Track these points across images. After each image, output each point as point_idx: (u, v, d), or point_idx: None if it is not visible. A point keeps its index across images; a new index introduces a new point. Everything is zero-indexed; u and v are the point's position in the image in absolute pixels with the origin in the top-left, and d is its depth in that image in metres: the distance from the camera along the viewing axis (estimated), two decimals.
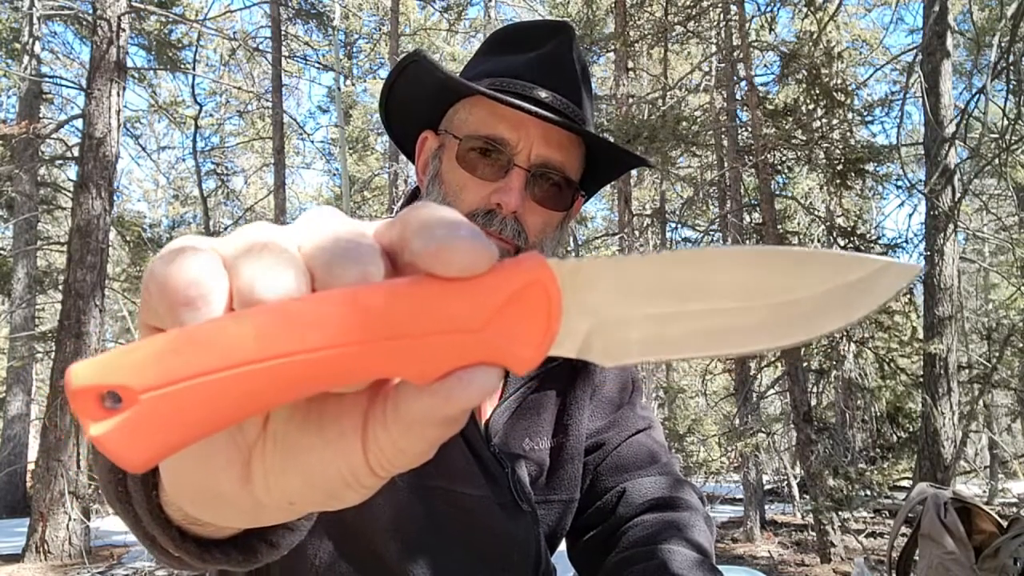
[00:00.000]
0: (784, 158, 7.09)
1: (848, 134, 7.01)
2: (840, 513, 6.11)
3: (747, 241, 7.83)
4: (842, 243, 7.06)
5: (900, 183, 7.34)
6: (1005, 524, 2.66)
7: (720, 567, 0.97)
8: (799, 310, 0.30)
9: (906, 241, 7.12)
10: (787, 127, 6.76)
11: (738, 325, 0.30)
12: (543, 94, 0.90)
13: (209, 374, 0.24)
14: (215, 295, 0.26)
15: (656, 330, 0.30)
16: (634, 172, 9.47)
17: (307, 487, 0.29)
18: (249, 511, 0.32)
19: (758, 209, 7.47)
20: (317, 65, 14.96)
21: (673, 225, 9.88)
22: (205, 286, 0.26)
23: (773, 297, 0.30)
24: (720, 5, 7.63)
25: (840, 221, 8.07)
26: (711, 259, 0.30)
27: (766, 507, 8.92)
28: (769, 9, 7.16)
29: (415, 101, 0.96)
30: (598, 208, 17.19)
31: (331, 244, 0.27)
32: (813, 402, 6.99)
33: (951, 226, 6.74)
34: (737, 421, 7.56)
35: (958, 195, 6.66)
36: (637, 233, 9.71)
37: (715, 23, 8.30)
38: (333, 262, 0.27)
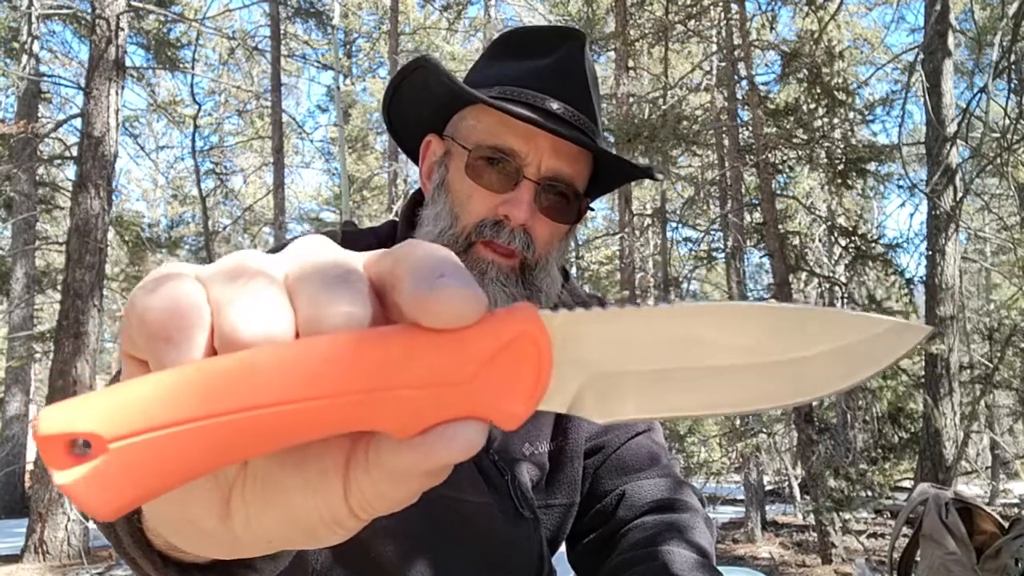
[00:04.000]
0: (785, 157, 7.08)
1: (849, 133, 7.01)
2: (841, 514, 6.11)
3: (748, 240, 7.83)
4: (843, 243, 7.05)
5: (901, 183, 7.35)
6: (1006, 525, 2.66)
7: (721, 568, 0.98)
8: (801, 370, 0.29)
9: (907, 241, 7.11)
10: (788, 126, 6.76)
11: (737, 384, 0.29)
12: (554, 105, 0.88)
13: (181, 424, 0.24)
14: (195, 331, 0.25)
15: (651, 387, 0.29)
16: None
17: (286, 526, 0.29)
18: (228, 544, 0.31)
19: (759, 209, 7.46)
20: (316, 64, 14.99)
21: (674, 225, 9.87)
22: (185, 321, 0.25)
23: (774, 356, 0.29)
24: (721, 4, 7.62)
25: (841, 221, 8.07)
26: (711, 315, 0.29)
27: (767, 508, 8.92)
28: (770, 8, 7.15)
29: (420, 105, 0.95)
30: (598, 208, 17.18)
31: (318, 278, 0.26)
32: (814, 402, 6.98)
33: (953, 226, 6.73)
34: (738, 422, 7.56)
35: (960, 195, 6.65)
36: (637, 233, 9.71)
37: (716, 22, 8.29)
38: (319, 298, 0.26)
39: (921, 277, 7.12)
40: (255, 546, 0.31)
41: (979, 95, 6.44)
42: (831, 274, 8.42)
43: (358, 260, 0.28)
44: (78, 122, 8.00)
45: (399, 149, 1.05)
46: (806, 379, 0.29)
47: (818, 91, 6.54)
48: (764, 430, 7.20)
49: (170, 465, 0.24)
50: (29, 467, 10.24)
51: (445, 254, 0.27)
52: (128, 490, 0.24)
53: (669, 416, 0.29)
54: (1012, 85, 6.54)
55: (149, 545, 0.44)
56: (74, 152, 8.49)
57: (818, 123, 6.71)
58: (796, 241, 7.72)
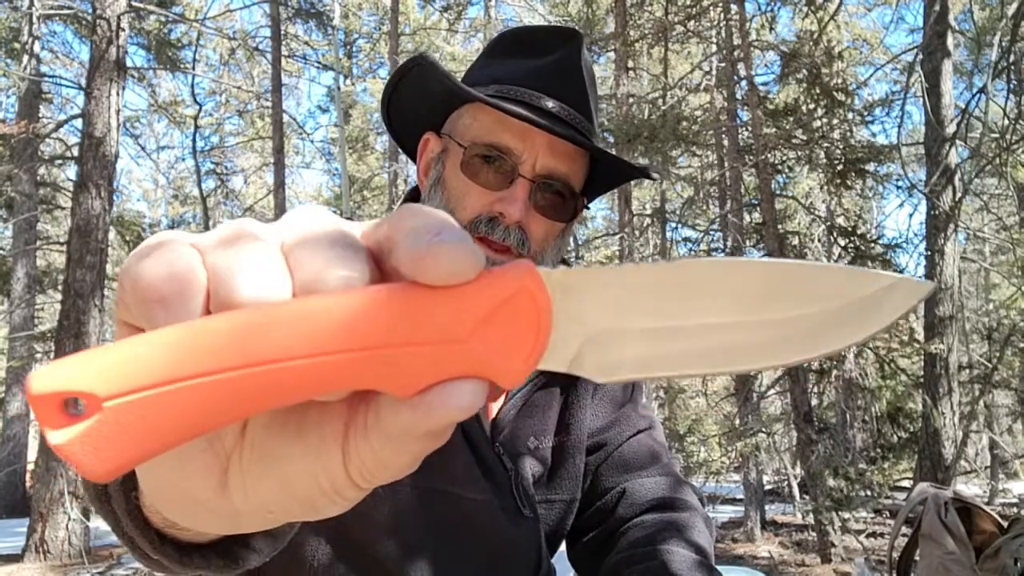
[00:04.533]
0: (784, 158, 7.09)
1: (848, 134, 7.01)
2: (840, 513, 6.11)
3: (748, 240, 7.83)
4: (842, 243, 7.06)
5: (900, 183, 7.34)
6: (1006, 524, 2.65)
7: (720, 567, 0.98)
8: (806, 326, 0.28)
9: (906, 241, 7.11)
10: (787, 127, 6.76)
11: (741, 342, 0.28)
12: (550, 104, 0.89)
13: (177, 382, 0.23)
14: (190, 293, 0.25)
15: (653, 345, 0.28)
16: None
17: (285, 496, 0.28)
18: (227, 518, 0.31)
19: (758, 209, 7.47)
20: (317, 64, 14.98)
21: (673, 225, 9.87)
22: (179, 283, 0.25)
23: (778, 312, 0.28)
24: (720, 4, 7.62)
25: (840, 221, 8.07)
26: (713, 271, 0.28)
27: (766, 507, 8.92)
28: (769, 8, 7.16)
29: (418, 104, 0.95)
30: (598, 208, 17.22)
31: (315, 243, 0.26)
32: (813, 402, 6.99)
33: (952, 226, 6.74)
34: (737, 421, 7.56)
35: (959, 195, 6.65)
36: (637, 233, 9.71)
37: (715, 22, 8.29)
38: (316, 262, 0.25)
39: (920, 277, 7.11)
40: (254, 518, 0.30)
41: (978, 95, 6.44)
42: None
43: (356, 228, 0.28)
44: (79, 122, 8.00)
45: (399, 149, 1.05)
46: (814, 335, 0.28)
47: (817, 91, 6.54)
48: (763, 430, 7.20)
49: (166, 424, 0.23)
50: (30, 467, 10.23)
51: (441, 215, 0.26)
52: (124, 449, 0.23)
53: (669, 375, 0.28)
54: (1011, 85, 6.54)
55: (146, 523, 0.43)
56: (75, 152, 8.49)
57: (817, 123, 6.71)
58: (795, 241, 7.73)
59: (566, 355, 0.28)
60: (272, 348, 0.24)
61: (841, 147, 6.71)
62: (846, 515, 6.21)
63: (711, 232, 8.81)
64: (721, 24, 8.14)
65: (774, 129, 6.83)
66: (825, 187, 7.06)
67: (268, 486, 0.28)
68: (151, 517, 0.43)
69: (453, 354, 0.25)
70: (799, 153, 6.85)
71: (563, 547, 1.06)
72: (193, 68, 11.47)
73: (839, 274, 0.29)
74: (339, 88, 8.92)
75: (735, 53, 7.56)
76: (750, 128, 7.15)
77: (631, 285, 0.28)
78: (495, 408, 0.95)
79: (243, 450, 0.28)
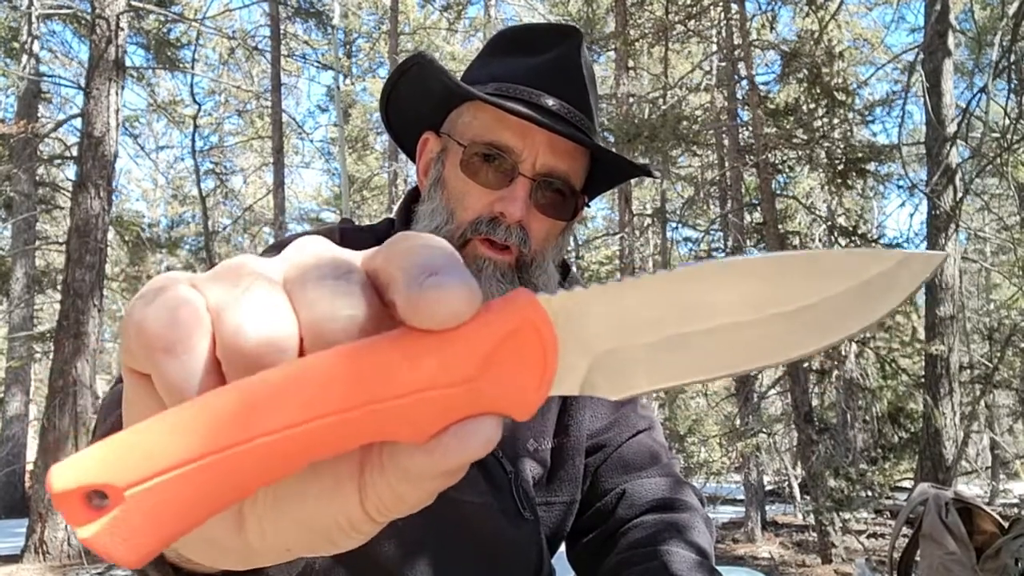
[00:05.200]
0: (785, 157, 7.08)
1: (849, 133, 7.01)
2: (841, 514, 6.11)
3: (748, 240, 7.83)
4: (843, 243, 7.05)
5: (901, 183, 7.35)
6: (1006, 525, 2.65)
7: (721, 568, 0.98)
8: (816, 315, 0.28)
9: (907, 241, 7.11)
10: (788, 126, 6.76)
11: (751, 340, 0.28)
12: (550, 102, 0.88)
13: (192, 462, 0.23)
14: (195, 339, 0.25)
15: (662, 357, 0.28)
16: None
17: (302, 534, 0.28)
18: (243, 556, 0.30)
19: (759, 209, 7.46)
20: (316, 64, 14.98)
21: (674, 225, 9.88)
22: (185, 329, 0.25)
23: (786, 305, 0.28)
24: (721, 4, 7.62)
25: (841, 221, 8.06)
26: (712, 274, 0.28)
27: (767, 508, 8.92)
28: (770, 8, 7.15)
29: (418, 103, 0.95)
30: (598, 208, 17.22)
31: (317, 280, 0.26)
32: (814, 402, 6.99)
33: (952, 226, 6.73)
34: (738, 421, 7.56)
35: (959, 195, 6.64)
36: (637, 233, 9.70)
37: (716, 22, 8.29)
38: (320, 300, 0.25)
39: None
40: (272, 555, 0.30)
41: (979, 95, 6.44)
42: None
43: (356, 259, 0.27)
44: (78, 122, 8.00)
45: (399, 149, 1.04)
46: (826, 323, 0.28)
47: (818, 91, 6.54)
48: (764, 430, 7.20)
49: (188, 504, 0.24)
50: (29, 467, 10.24)
51: (435, 246, 0.26)
52: (151, 535, 0.24)
53: (685, 382, 0.28)
54: (1012, 85, 6.54)
55: (162, 558, 0.43)
56: (74, 152, 8.49)
57: (818, 123, 6.71)
58: (796, 241, 7.72)
59: (576, 380, 0.28)
60: (280, 416, 0.24)
61: (842, 147, 6.71)
62: (847, 515, 6.21)
63: (711, 232, 8.81)
64: (721, 23, 8.14)
65: (774, 129, 6.83)
66: (826, 187, 7.05)
67: (285, 525, 0.28)
68: (166, 553, 0.42)
69: (463, 395, 0.25)
70: (800, 153, 6.85)
71: (563, 548, 1.06)
72: (192, 68, 11.46)
73: (842, 259, 0.28)
74: (339, 88, 8.93)
75: (735, 53, 7.56)
76: (750, 128, 7.15)
77: (632, 301, 0.28)
78: None
79: (257, 494, 0.28)
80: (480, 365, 0.25)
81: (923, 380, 6.97)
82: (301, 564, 0.49)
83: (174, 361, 0.25)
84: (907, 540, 2.86)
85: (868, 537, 6.93)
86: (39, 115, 11.42)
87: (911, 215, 11.66)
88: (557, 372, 0.27)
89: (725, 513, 9.19)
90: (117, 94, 7.31)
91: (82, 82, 7.78)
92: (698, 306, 0.28)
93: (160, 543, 0.24)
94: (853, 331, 0.28)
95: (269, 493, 0.28)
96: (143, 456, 0.23)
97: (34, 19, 10.62)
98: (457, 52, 15.64)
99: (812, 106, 6.68)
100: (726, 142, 8.38)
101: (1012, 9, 6.07)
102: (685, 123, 7.22)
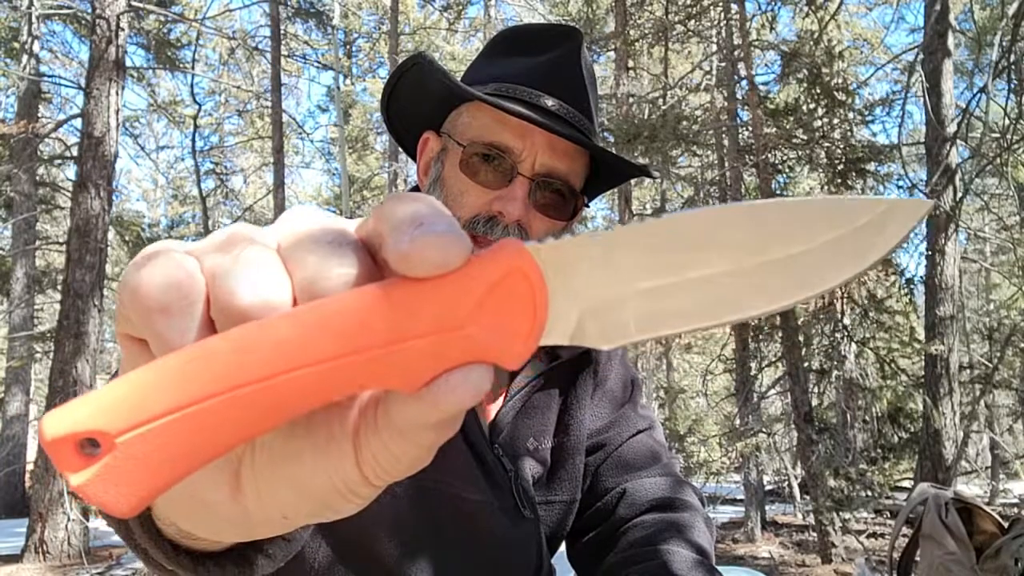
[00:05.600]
0: (785, 157, 7.08)
1: (849, 133, 7.00)
2: (841, 513, 6.11)
3: None
4: None
5: (901, 183, 7.33)
6: (1006, 524, 2.66)
7: (721, 568, 0.98)
8: (805, 263, 0.28)
9: (907, 240, 7.09)
10: (788, 126, 6.76)
11: (742, 288, 0.28)
12: (550, 102, 0.89)
13: (184, 408, 0.23)
14: (190, 300, 0.25)
15: (652, 305, 0.28)
16: None
17: (299, 498, 0.28)
18: (241, 524, 0.30)
19: None
20: (316, 64, 14.98)
21: None
22: (179, 291, 0.25)
23: (774, 253, 0.28)
24: (721, 4, 7.62)
25: None
26: (703, 221, 0.28)
27: (767, 508, 8.92)
28: (770, 8, 7.15)
29: (418, 103, 0.95)
30: (598, 208, 17.21)
31: (310, 243, 0.26)
32: (814, 402, 6.99)
33: (952, 225, 6.73)
34: (738, 421, 7.56)
35: (959, 195, 6.64)
36: None
37: (716, 22, 8.29)
38: (313, 261, 0.26)
39: (921, 277, 7.12)
40: (269, 523, 0.30)
41: (979, 95, 6.44)
42: None
43: (349, 225, 0.28)
44: (78, 122, 8.00)
45: (399, 149, 1.05)
46: (815, 271, 0.28)
47: (818, 91, 6.54)
48: (764, 430, 7.20)
49: (181, 451, 0.24)
50: (29, 467, 10.23)
51: (423, 202, 0.26)
52: (143, 482, 0.24)
53: (675, 331, 0.28)
54: (1012, 85, 6.54)
55: (160, 534, 0.43)
56: (74, 152, 8.49)
57: (818, 123, 6.71)
58: None
59: (566, 328, 0.28)
60: (272, 362, 0.24)
61: (842, 147, 6.71)
62: (847, 515, 6.21)
63: None
64: (721, 24, 8.14)
65: (774, 129, 6.82)
66: (826, 187, 7.05)
67: (281, 487, 0.28)
68: (164, 528, 0.42)
69: (452, 342, 0.25)
70: (799, 153, 6.85)
71: (563, 547, 1.06)
72: (192, 68, 11.47)
73: (832, 205, 0.28)
74: (339, 88, 8.93)
75: (735, 53, 7.56)
76: (750, 128, 7.15)
77: (622, 248, 0.27)
78: (494, 410, 0.95)
79: (254, 453, 0.28)
80: (470, 313, 0.25)
81: (923, 380, 6.97)
82: (299, 544, 0.49)
83: (170, 322, 0.25)
84: (907, 540, 2.87)
85: (868, 537, 6.93)
86: (39, 115, 11.41)
87: None
88: (547, 320, 0.27)
89: (725, 513, 9.20)
90: (117, 94, 7.32)
91: (82, 82, 7.78)
92: (688, 253, 0.27)
93: (152, 491, 0.24)
94: (845, 278, 0.28)
95: (264, 453, 0.28)
96: (135, 403, 0.23)
97: (34, 19, 10.62)
98: (457, 52, 15.64)
99: (812, 106, 6.68)
100: (726, 142, 8.38)
101: (1012, 9, 6.07)
102: (685, 123, 7.21)
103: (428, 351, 0.25)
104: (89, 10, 7.93)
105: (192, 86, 11.03)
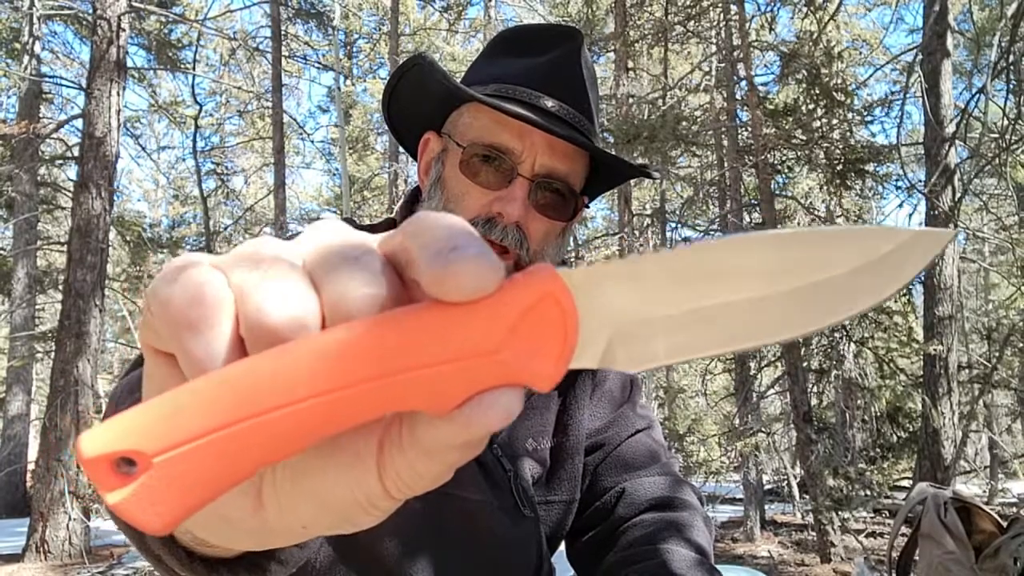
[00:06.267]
0: (784, 158, 7.09)
1: (848, 134, 7.00)
2: (840, 513, 6.11)
3: None
4: None
5: (900, 183, 7.33)
6: (1005, 524, 2.66)
7: (720, 567, 0.98)
8: (830, 291, 0.29)
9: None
10: (787, 127, 6.76)
11: (768, 315, 0.28)
12: (549, 103, 0.89)
13: (219, 430, 0.24)
14: (220, 317, 0.25)
15: (680, 330, 0.28)
16: None
17: (320, 511, 0.28)
18: (259, 535, 0.31)
19: (758, 209, 7.47)
20: (317, 65, 14.98)
21: (673, 225, 9.88)
22: (209, 308, 0.25)
23: (800, 280, 0.28)
24: (720, 5, 7.62)
25: (840, 221, 8.06)
26: (728, 250, 0.28)
27: (766, 507, 8.92)
28: (769, 9, 7.16)
29: (418, 104, 0.95)
30: (598, 208, 17.20)
31: (337, 260, 0.26)
32: (813, 402, 6.99)
33: (951, 226, 6.73)
34: (737, 421, 7.56)
35: (958, 195, 6.65)
36: (637, 233, 9.71)
37: (715, 23, 8.30)
38: (340, 280, 0.25)
39: (920, 277, 7.12)
40: (288, 534, 0.30)
41: (978, 96, 6.43)
42: None
43: (373, 241, 0.28)
44: (79, 122, 7.99)
45: (400, 149, 1.06)
46: (838, 298, 0.29)
47: (817, 92, 6.54)
48: (763, 429, 7.21)
49: (215, 471, 0.24)
50: (30, 467, 10.23)
51: (455, 223, 0.26)
52: (177, 502, 0.24)
53: (703, 355, 0.29)
54: (1011, 86, 6.53)
55: (174, 541, 0.43)
56: (75, 152, 8.49)
57: (817, 124, 6.71)
58: None
59: (595, 352, 0.28)
60: (305, 385, 0.24)
61: (841, 147, 6.71)
62: (846, 515, 6.21)
63: (711, 232, 8.80)
64: (721, 24, 8.15)
65: (774, 129, 6.82)
66: (825, 187, 7.05)
67: (303, 501, 0.28)
68: (179, 537, 0.42)
69: (485, 366, 0.25)
70: (799, 153, 6.85)
71: (563, 547, 1.07)
72: (193, 68, 11.47)
73: (856, 234, 0.29)
74: (339, 88, 8.93)
75: (735, 53, 7.57)
76: (750, 128, 7.15)
77: (650, 276, 0.28)
78: None
79: (276, 470, 0.28)
80: (503, 337, 0.26)
81: (922, 380, 6.97)
82: (313, 549, 0.49)
83: (198, 338, 0.25)
84: (906, 539, 2.87)
85: (867, 536, 6.93)
86: (40, 116, 11.41)
87: (910, 215, 11.60)
88: (577, 345, 0.27)
89: (724, 512, 9.20)
90: (118, 95, 7.32)
91: (83, 83, 7.79)
92: (714, 282, 0.28)
93: (186, 511, 0.24)
94: (869, 304, 0.29)
95: (289, 468, 0.28)
96: (172, 424, 0.24)
97: (35, 20, 10.62)
98: (457, 53, 15.63)
99: (811, 107, 6.68)
100: (725, 142, 8.39)
101: (1011, 10, 6.07)
102: (684, 124, 7.21)
103: (460, 375, 0.25)
104: (90, 11, 7.94)
105: (193, 87, 11.04)
